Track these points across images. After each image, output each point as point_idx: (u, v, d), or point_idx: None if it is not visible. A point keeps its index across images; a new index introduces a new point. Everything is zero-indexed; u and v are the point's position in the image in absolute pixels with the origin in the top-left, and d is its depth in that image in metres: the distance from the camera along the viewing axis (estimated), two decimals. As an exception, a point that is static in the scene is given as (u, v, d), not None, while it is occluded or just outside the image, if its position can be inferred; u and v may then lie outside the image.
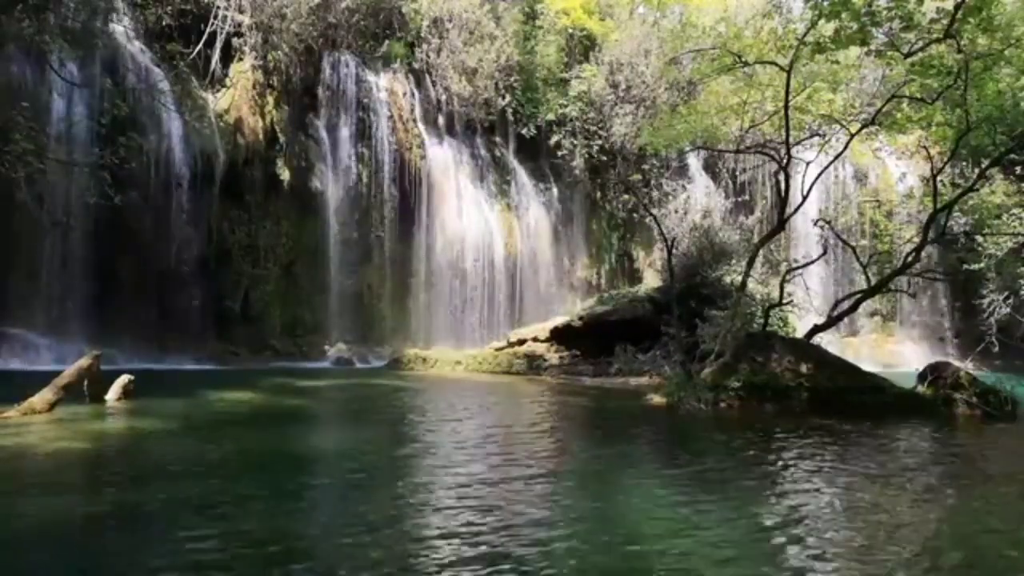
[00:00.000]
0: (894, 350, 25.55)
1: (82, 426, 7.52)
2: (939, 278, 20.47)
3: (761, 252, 15.97)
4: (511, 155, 25.40)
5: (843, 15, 10.52)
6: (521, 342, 18.27)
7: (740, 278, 14.02)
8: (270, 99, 20.01)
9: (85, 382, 8.84)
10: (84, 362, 8.81)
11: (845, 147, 13.93)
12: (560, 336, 17.82)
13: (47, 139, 14.71)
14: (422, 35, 23.45)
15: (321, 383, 13.52)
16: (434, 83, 23.51)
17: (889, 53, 11.62)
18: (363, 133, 21.58)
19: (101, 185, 14.63)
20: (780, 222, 13.95)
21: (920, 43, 11.16)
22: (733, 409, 10.12)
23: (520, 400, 11.98)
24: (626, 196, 25.98)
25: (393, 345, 20.57)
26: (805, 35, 11.62)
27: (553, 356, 17.19)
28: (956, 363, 12.03)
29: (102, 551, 3.84)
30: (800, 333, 13.86)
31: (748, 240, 21.07)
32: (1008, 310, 20.21)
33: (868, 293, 13.62)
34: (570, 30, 26.18)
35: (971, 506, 5.28)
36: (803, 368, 10.56)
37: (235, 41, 19.47)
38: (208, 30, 18.80)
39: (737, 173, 27.22)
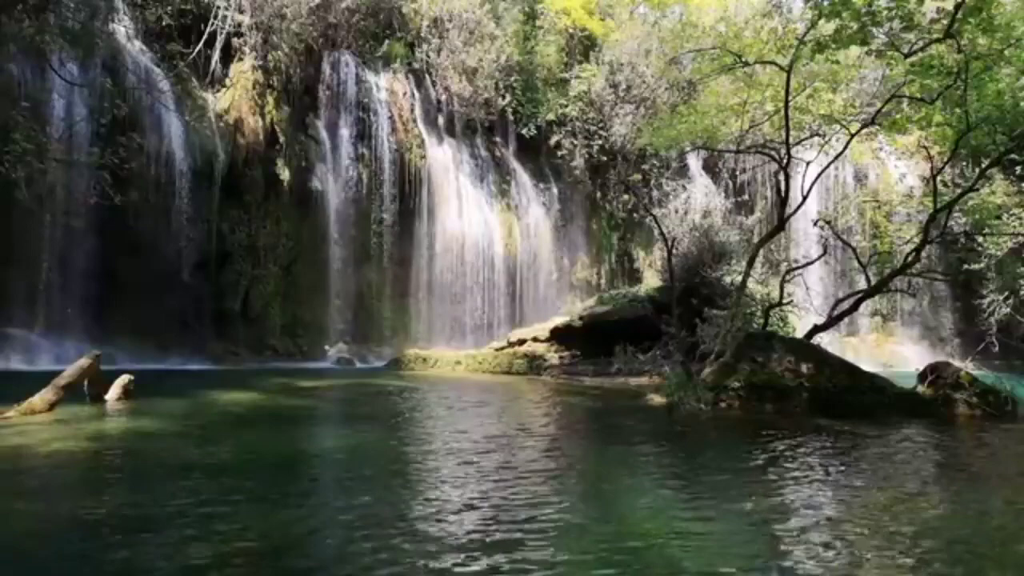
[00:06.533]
0: (894, 350, 25.53)
1: (82, 426, 7.52)
2: (939, 278, 20.46)
3: (761, 252, 15.96)
4: (511, 155, 25.41)
5: (843, 14, 10.51)
6: (521, 342, 18.26)
7: (740, 278, 14.02)
8: (270, 99, 20.02)
9: (85, 382, 8.84)
10: (84, 362, 8.80)
11: (845, 147, 13.91)
12: (560, 336, 17.81)
13: (47, 139, 14.71)
14: (422, 35, 23.47)
15: (321, 383, 13.52)
16: (434, 83, 23.52)
17: (889, 53, 11.62)
18: (363, 133, 21.60)
19: (101, 185, 14.64)
20: (780, 222, 13.95)
21: (920, 43, 11.16)
22: (733, 409, 10.12)
23: (520, 400, 11.98)
24: (626, 196, 26.00)
25: (393, 345, 20.58)
26: (805, 35, 11.62)
27: (553, 356, 17.18)
28: (956, 363, 12.00)
29: (101, 552, 3.83)
30: (800, 333, 13.84)
31: (748, 240, 21.07)
32: (1008, 310, 20.19)
33: (868, 293, 13.60)
34: (570, 30, 26.18)
35: (971, 506, 5.28)
36: (803, 368, 10.55)
37: (235, 41, 19.48)
38: (208, 30, 18.81)
39: (737, 173, 27.22)
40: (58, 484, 5.42)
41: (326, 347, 19.75)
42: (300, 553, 3.88)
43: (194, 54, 18.63)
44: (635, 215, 25.82)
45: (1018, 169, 19.22)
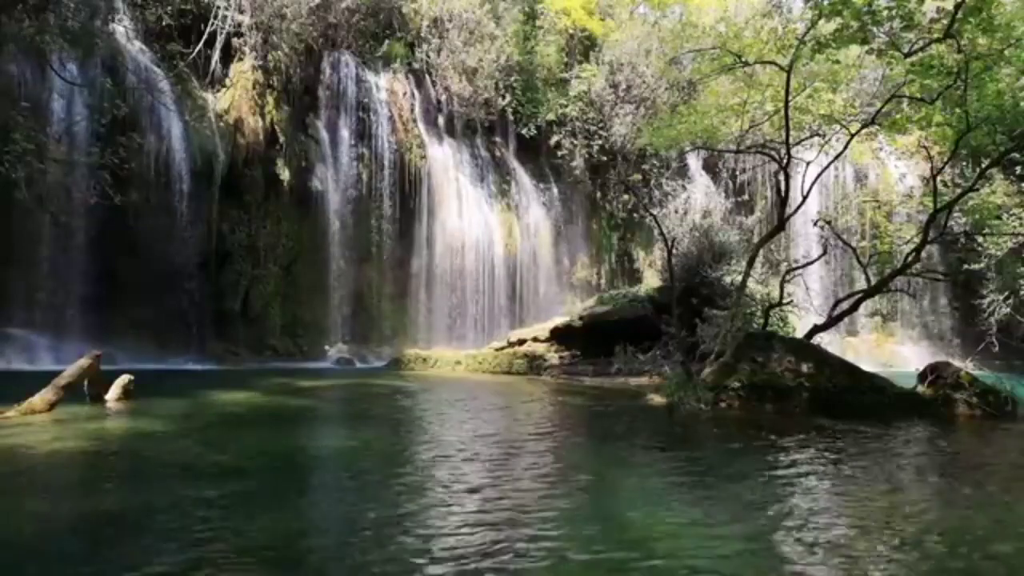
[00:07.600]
0: (894, 350, 25.54)
1: (82, 426, 7.52)
2: (939, 278, 20.45)
3: (761, 252, 15.96)
4: (511, 155, 25.40)
5: (843, 14, 10.51)
6: (521, 342, 18.26)
7: (740, 278, 14.02)
8: (270, 99, 20.02)
9: (85, 382, 8.84)
10: (84, 362, 8.80)
11: (845, 147, 13.91)
12: (560, 336, 17.81)
13: (47, 139, 14.70)
14: (422, 35, 23.47)
15: (321, 383, 13.52)
16: (434, 83, 23.52)
17: (889, 53, 11.61)
18: (363, 133, 21.60)
19: (101, 185, 14.63)
20: (780, 222, 13.94)
21: (920, 43, 11.16)
22: (733, 409, 10.12)
23: (521, 400, 11.97)
24: (626, 196, 26.01)
25: (393, 345, 20.59)
26: (805, 35, 11.61)
27: (553, 356, 17.17)
28: (956, 363, 12.01)
29: (101, 552, 3.83)
30: (800, 333, 13.84)
31: (748, 240, 21.10)
32: (1008, 310, 20.21)
33: (868, 293, 13.60)
34: (570, 30, 26.19)
35: (971, 505, 5.28)
36: (803, 368, 10.54)
37: (235, 41, 19.48)
38: (208, 30, 18.81)
39: (737, 173, 27.24)
40: (58, 484, 5.42)
41: (326, 347, 19.76)
42: (300, 555, 3.88)
43: (194, 54, 18.63)
44: (635, 215, 25.83)
45: (1018, 169, 19.24)
